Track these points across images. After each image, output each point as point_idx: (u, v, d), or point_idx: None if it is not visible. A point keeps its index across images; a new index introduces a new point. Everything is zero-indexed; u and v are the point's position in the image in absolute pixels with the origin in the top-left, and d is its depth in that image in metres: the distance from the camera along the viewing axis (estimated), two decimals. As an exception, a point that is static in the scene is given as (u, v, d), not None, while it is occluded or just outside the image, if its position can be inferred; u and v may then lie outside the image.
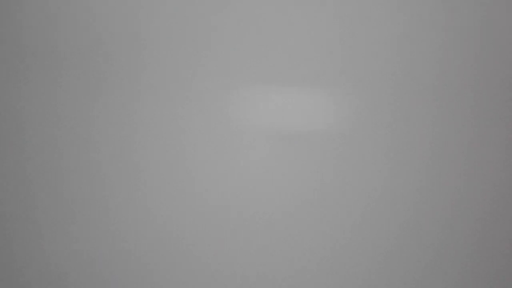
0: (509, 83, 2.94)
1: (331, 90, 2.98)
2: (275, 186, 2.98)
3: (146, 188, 3.00)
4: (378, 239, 2.95)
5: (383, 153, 2.96)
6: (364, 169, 2.96)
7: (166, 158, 3.01)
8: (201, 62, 3.01)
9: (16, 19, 3.04)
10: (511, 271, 2.92)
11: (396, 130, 2.96)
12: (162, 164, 3.00)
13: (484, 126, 2.95)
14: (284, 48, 2.99)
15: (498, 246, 2.92)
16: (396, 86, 2.96)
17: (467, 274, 2.94)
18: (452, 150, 2.95)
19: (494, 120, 2.95)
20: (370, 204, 2.95)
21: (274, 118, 2.99)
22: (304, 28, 2.98)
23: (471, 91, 2.95)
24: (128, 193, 3.00)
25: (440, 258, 2.94)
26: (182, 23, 3.01)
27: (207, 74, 3.01)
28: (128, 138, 3.01)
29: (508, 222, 2.93)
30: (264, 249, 2.99)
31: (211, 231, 3.00)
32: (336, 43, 2.97)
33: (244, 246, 2.99)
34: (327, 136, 2.98)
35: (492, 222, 2.93)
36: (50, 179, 3.02)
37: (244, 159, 2.97)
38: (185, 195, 3.00)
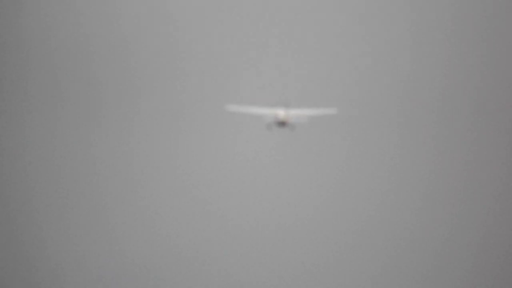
0: (509, 88, 2.93)
1: (331, 88, 2.99)
2: (272, 190, 2.97)
3: (144, 191, 3.02)
4: (380, 239, 2.93)
5: (385, 154, 2.95)
6: (365, 169, 2.95)
7: (165, 159, 3.02)
8: (199, 67, 3.04)
9: (19, 52, 3.10)
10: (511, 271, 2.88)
11: (397, 133, 2.96)
12: (161, 167, 3.02)
13: (484, 129, 2.93)
14: (280, 52, 3.02)
15: (500, 247, 2.88)
16: (398, 88, 2.97)
17: (468, 272, 2.90)
18: (452, 153, 2.94)
19: (495, 128, 2.93)
20: (371, 205, 2.94)
21: (269, 119, 3.00)
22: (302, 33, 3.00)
23: (471, 93, 2.95)
24: (126, 199, 3.01)
25: (442, 261, 2.91)
26: (178, 36, 3.05)
27: (205, 77, 3.04)
28: (126, 144, 3.04)
29: (508, 222, 2.89)
30: (260, 249, 2.97)
31: (210, 232, 2.99)
32: (335, 45, 2.99)
33: (240, 244, 2.98)
34: (326, 135, 2.98)
35: (494, 223, 2.90)
36: (51, 192, 3.05)
37: (240, 163, 2.98)
38: (183, 195, 3.01)
